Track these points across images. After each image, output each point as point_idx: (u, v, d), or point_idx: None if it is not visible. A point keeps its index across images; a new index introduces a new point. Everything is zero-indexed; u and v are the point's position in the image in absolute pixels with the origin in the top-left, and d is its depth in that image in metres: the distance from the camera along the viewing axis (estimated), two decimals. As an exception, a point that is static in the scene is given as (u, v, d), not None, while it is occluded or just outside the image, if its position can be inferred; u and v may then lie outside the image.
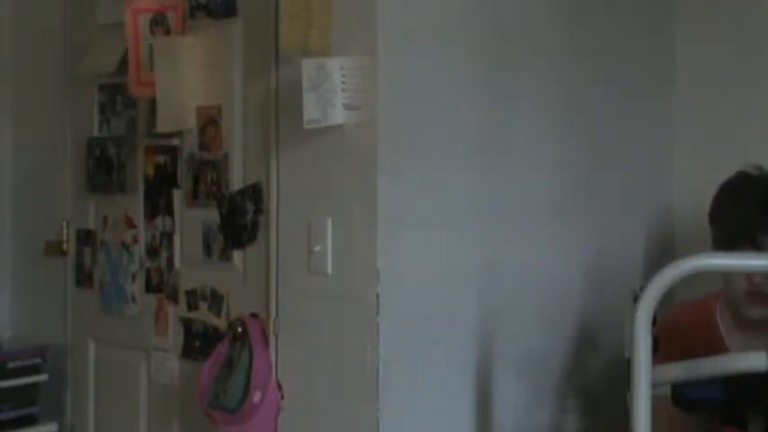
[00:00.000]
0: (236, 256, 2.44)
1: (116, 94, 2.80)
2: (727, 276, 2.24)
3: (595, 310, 2.62)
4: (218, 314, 2.49)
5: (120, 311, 2.78)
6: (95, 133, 2.87)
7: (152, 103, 2.58)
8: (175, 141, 2.61)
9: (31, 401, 2.91)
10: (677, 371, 1.82)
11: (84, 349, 2.90)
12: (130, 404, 2.74)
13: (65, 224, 2.96)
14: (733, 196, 2.27)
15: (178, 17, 2.56)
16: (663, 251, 2.84)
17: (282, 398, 2.28)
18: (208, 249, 2.51)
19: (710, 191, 2.31)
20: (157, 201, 2.68)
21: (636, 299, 1.68)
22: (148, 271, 2.70)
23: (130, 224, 2.75)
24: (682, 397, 1.85)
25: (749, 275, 2.18)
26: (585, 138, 2.64)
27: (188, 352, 2.58)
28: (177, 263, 2.62)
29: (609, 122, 2.72)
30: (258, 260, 2.37)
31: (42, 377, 2.90)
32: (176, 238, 2.62)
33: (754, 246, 2.14)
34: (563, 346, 2.58)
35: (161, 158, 2.67)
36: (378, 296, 2.10)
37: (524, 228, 2.46)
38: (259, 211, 2.37)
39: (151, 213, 2.70)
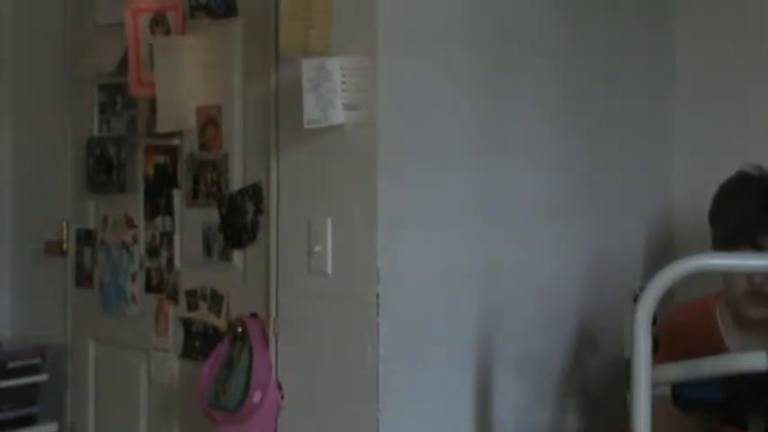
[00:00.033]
0: (236, 256, 2.44)
1: (116, 94, 2.80)
2: (727, 276, 2.24)
3: (595, 310, 2.62)
4: (218, 314, 2.49)
5: (120, 311, 2.78)
6: (95, 133, 2.87)
7: (152, 103, 2.58)
8: (175, 141, 2.61)
9: (31, 401, 2.90)
10: (677, 371, 1.82)
11: (84, 349, 2.90)
12: (130, 404, 2.74)
13: (65, 224, 2.96)
14: (733, 196, 2.27)
15: (178, 17, 2.56)
16: (663, 251, 2.84)
17: (282, 398, 2.28)
18: (208, 249, 2.51)
19: (710, 191, 2.31)
20: (157, 201, 2.68)
21: (636, 299, 1.68)
22: (148, 271, 2.70)
23: (130, 224, 2.75)
24: (682, 397, 1.85)
25: (749, 275, 2.18)
26: (585, 138, 2.64)
27: (188, 352, 2.58)
28: (177, 263, 2.62)
29: (609, 122, 2.72)
30: (258, 260, 2.37)
31: (42, 377, 2.90)
32: (176, 238, 2.62)
33: (754, 246, 2.14)
34: (563, 346, 2.58)
35: (161, 158, 2.67)
36: (378, 296, 2.10)
37: (524, 228, 2.46)
38: (259, 211, 2.37)
39: (151, 213, 2.70)
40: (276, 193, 2.31)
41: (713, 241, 2.26)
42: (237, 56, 2.44)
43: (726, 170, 2.31)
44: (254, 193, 2.38)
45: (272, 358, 2.30)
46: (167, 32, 2.58)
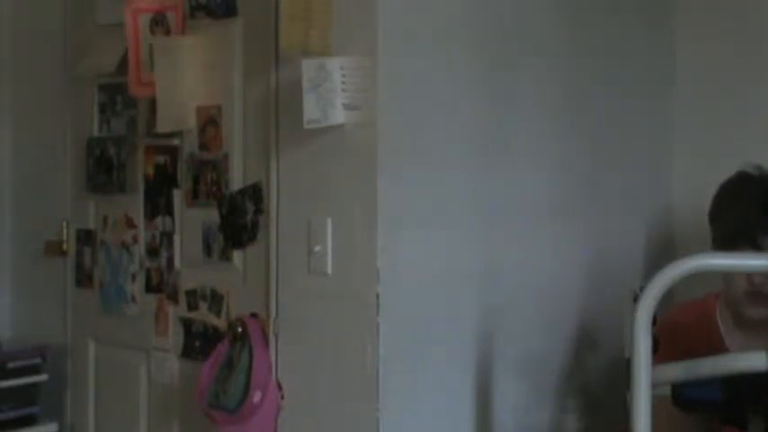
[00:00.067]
0: (236, 256, 2.44)
1: (116, 94, 2.80)
2: (727, 276, 2.24)
3: (595, 310, 2.62)
4: (218, 314, 2.49)
5: (120, 311, 2.78)
6: (95, 133, 2.87)
7: (152, 103, 2.58)
8: (175, 141, 2.61)
9: (31, 401, 2.91)
10: (677, 371, 1.82)
11: (84, 349, 2.90)
12: (130, 404, 2.74)
13: (65, 224, 2.96)
14: (733, 196, 2.27)
15: (178, 17, 2.56)
16: (663, 251, 2.84)
17: (282, 398, 2.28)
18: (208, 249, 2.51)
19: (710, 191, 2.31)
20: (157, 201, 2.68)
21: (636, 299, 1.68)
22: (148, 271, 2.70)
23: (130, 224, 2.75)
24: (682, 397, 1.85)
25: (749, 275, 2.18)
26: (585, 138, 2.64)
27: (188, 352, 2.58)
28: (177, 263, 2.62)
29: (609, 122, 2.72)
30: (258, 260, 2.37)
31: (42, 377, 2.90)
32: (176, 238, 2.63)
33: (754, 246, 2.14)
34: (563, 346, 2.58)
35: (161, 158, 2.67)
36: (378, 296, 2.10)
37: (524, 228, 2.46)
38: (259, 211, 2.37)
39: (151, 213, 2.70)
40: (276, 193, 2.31)
41: (713, 241, 2.26)
42: (237, 56, 2.44)
43: (726, 170, 2.31)
44: (254, 193, 2.38)
45: (272, 358, 2.30)
46: (167, 32, 2.58)
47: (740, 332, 2.29)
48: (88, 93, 2.88)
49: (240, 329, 2.33)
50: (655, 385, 1.68)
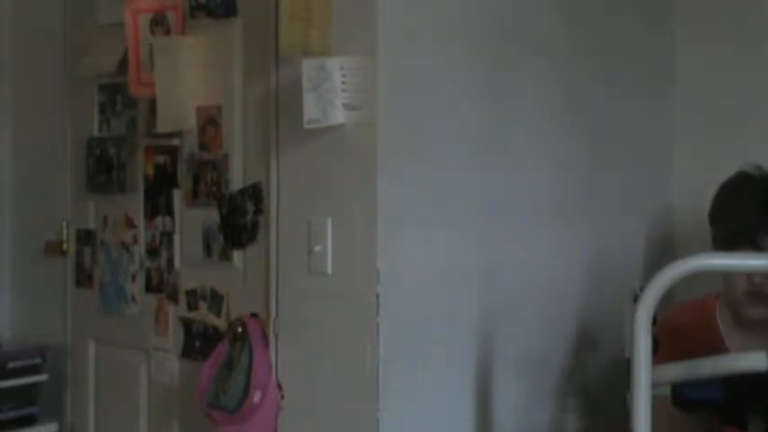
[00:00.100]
0: (236, 256, 2.44)
1: (116, 94, 2.80)
2: (727, 276, 2.24)
3: (595, 310, 2.62)
4: (218, 314, 2.49)
5: (120, 311, 2.78)
6: (95, 133, 2.87)
7: (152, 103, 2.58)
8: (175, 141, 2.61)
9: (31, 401, 2.90)
10: (677, 371, 1.82)
11: (84, 349, 2.90)
12: (130, 404, 2.74)
13: (65, 224, 2.96)
14: (733, 196, 2.27)
15: (178, 17, 2.56)
16: (663, 251, 2.84)
17: (282, 398, 2.28)
18: (208, 249, 2.51)
19: (710, 191, 2.31)
20: (157, 201, 2.68)
21: (636, 299, 1.68)
22: (148, 271, 2.70)
23: (130, 224, 2.75)
24: (682, 397, 1.85)
25: (749, 275, 2.18)
26: (585, 138, 2.64)
27: (188, 352, 2.58)
28: (177, 263, 2.62)
29: (609, 122, 2.72)
30: (258, 260, 2.37)
31: (42, 377, 2.90)
32: (176, 238, 2.62)
33: (754, 246, 2.14)
34: (563, 346, 2.58)
35: (161, 158, 2.67)
36: (378, 296, 2.10)
37: (524, 228, 2.46)
38: (259, 211, 2.37)
39: (151, 213, 2.70)
40: (276, 193, 2.31)
41: (713, 241, 2.26)
42: (237, 56, 2.44)
43: (726, 170, 2.31)
44: (254, 193, 2.38)
45: (272, 358, 2.30)
46: (167, 32, 2.58)
47: (740, 332, 2.29)
48: (88, 93, 2.88)
49: (240, 329, 2.33)
50: (655, 385, 1.68)
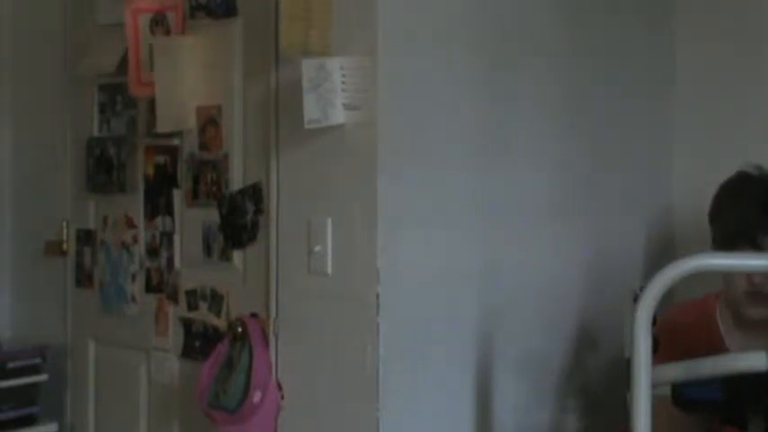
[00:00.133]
0: (236, 256, 2.44)
1: (116, 94, 2.80)
2: (727, 276, 2.24)
3: (595, 310, 2.62)
4: (218, 314, 2.49)
5: (120, 311, 2.78)
6: (95, 133, 2.87)
7: (152, 103, 2.58)
8: (175, 141, 2.61)
9: (31, 401, 2.90)
10: (677, 371, 1.82)
11: (84, 349, 2.90)
12: (130, 404, 2.74)
13: (65, 224, 2.96)
14: (733, 196, 2.27)
15: (178, 17, 2.56)
16: (663, 251, 2.84)
17: (282, 398, 2.28)
18: (208, 249, 2.51)
19: (710, 191, 2.31)
20: (157, 201, 2.68)
21: (636, 299, 1.68)
22: (148, 271, 2.70)
23: (130, 224, 2.75)
24: (682, 397, 1.85)
25: (749, 275, 2.18)
26: (585, 138, 2.64)
27: (188, 352, 2.58)
28: (177, 263, 2.62)
29: (609, 122, 2.72)
30: (258, 260, 2.37)
31: (42, 377, 2.90)
32: (176, 238, 2.62)
33: (754, 246, 2.14)
34: (563, 346, 2.58)
35: (161, 158, 2.67)
36: (378, 296, 2.10)
37: (524, 228, 2.46)
38: (259, 211, 2.37)
39: (151, 213, 2.70)
40: (276, 193, 2.31)
41: (713, 241, 2.26)
42: (237, 56, 2.44)
43: (726, 170, 2.31)
44: (254, 193, 2.38)
45: (272, 358, 2.30)
46: (167, 32, 2.58)
47: (740, 332, 2.29)
48: (88, 93, 2.88)
49: (240, 329, 2.33)
50: (655, 385, 1.68)
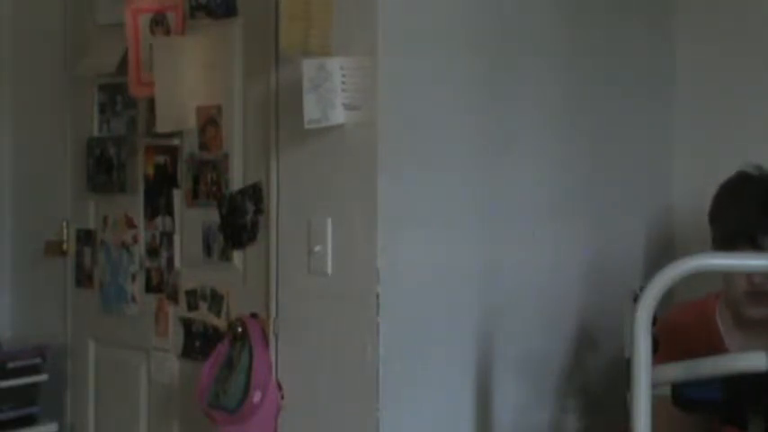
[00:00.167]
0: (236, 256, 2.44)
1: (116, 94, 2.80)
2: (728, 276, 2.24)
3: (595, 310, 2.62)
4: (218, 314, 2.49)
5: (120, 311, 2.78)
6: (95, 133, 2.87)
7: (152, 103, 2.58)
8: (175, 141, 2.61)
9: (31, 401, 2.90)
10: (677, 371, 1.82)
11: (84, 349, 2.90)
12: (130, 404, 2.74)
13: (65, 224, 2.96)
14: (733, 196, 2.27)
15: (178, 17, 2.56)
16: (663, 251, 2.84)
17: (282, 398, 2.28)
18: (208, 249, 2.51)
19: (710, 191, 2.31)
20: (157, 201, 2.68)
21: (636, 299, 1.68)
22: (148, 271, 2.70)
23: (130, 224, 2.75)
24: (682, 397, 1.85)
25: (749, 275, 2.18)
26: (585, 138, 2.64)
27: (188, 352, 2.58)
28: (177, 263, 2.62)
29: (609, 122, 2.72)
30: (258, 260, 2.37)
31: (42, 377, 2.90)
32: (176, 238, 2.62)
33: (755, 246, 2.14)
34: (563, 346, 2.58)
35: (161, 158, 2.67)
36: (378, 296, 2.10)
37: (524, 228, 2.46)
38: (259, 211, 2.37)
39: (151, 213, 2.70)
40: (276, 193, 2.31)
41: (713, 241, 2.26)
42: (237, 56, 2.44)
43: (726, 170, 2.31)
44: (254, 193, 2.38)
45: (272, 358, 2.30)
46: (167, 32, 2.58)
47: (740, 332, 2.29)
48: (88, 93, 2.88)
49: (240, 329, 2.33)
50: (655, 385, 1.68)
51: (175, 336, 2.61)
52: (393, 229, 2.13)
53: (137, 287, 2.73)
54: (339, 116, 2.12)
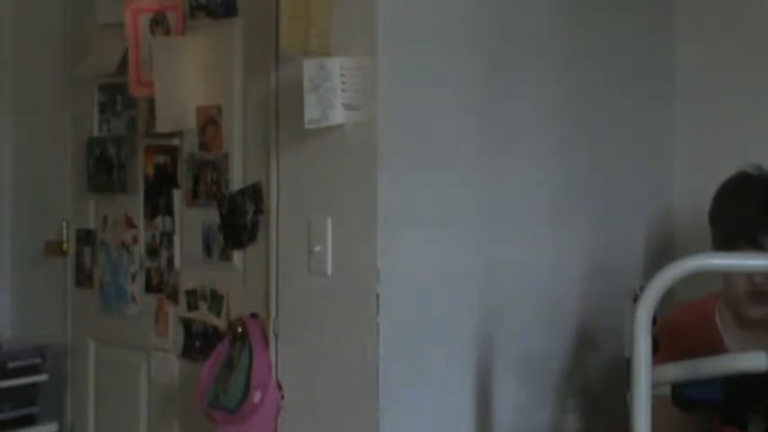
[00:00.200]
0: (236, 256, 2.44)
1: (116, 94, 2.80)
2: (728, 276, 2.24)
3: (595, 310, 2.62)
4: (218, 314, 2.49)
5: (120, 311, 2.78)
6: (95, 133, 2.87)
7: (152, 103, 2.58)
8: (175, 141, 2.61)
9: (31, 401, 2.90)
10: (677, 371, 1.82)
11: (84, 349, 2.90)
12: (130, 404, 2.74)
13: (65, 224, 2.96)
14: (733, 196, 2.27)
15: (178, 17, 2.56)
16: (663, 251, 2.83)
17: (282, 398, 2.28)
18: (208, 249, 2.51)
19: (710, 191, 2.31)
20: (157, 201, 2.68)
21: (636, 299, 1.68)
22: (148, 271, 2.70)
23: (130, 224, 2.75)
24: (682, 397, 1.85)
25: (749, 275, 2.18)
26: (585, 138, 2.64)
27: (188, 352, 2.58)
28: (177, 263, 2.62)
29: (609, 122, 2.72)
30: (258, 260, 2.37)
31: (42, 377, 2.90)
32: (176, 238, 2.62)
33: (755, 245, 2.14)
34: (563, 346, 2.58)
35: (161, 158, 2.67)
36: (378, 296, 2.10)
37: (524, 228, 2.46)
38: (259, 211, 2.37)
39: (151, 213, 2.70)
40: (276, 193, 2.31)
41: (713, 241, 2.26)
42: (237, 56, 2.44)
43: (726, 170, 2.31)
44: (254, 193, 2.38)
45: (272, 358, 2.30)
46: (167, 32, 2.58)
47: (740, 332, 2.29)
48: (88, 93, 2.88)
49: (240, 329, 2.33)
50: (655, 385, 1.68)
51: (175, 336, 2.61)
52: (393, 229, 2.13)
53: (137, 287, 2.73)
54: (339, 116, 2.12)
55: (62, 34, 2.99)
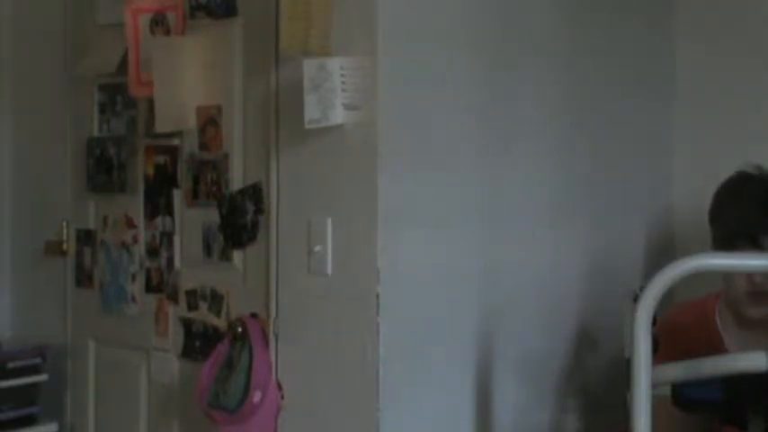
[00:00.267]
0: (236, 256, 2.44)
1: (116, 94, 2.80)
2: (728, 276, 2.24)
3: (595, 310, 2.62)
4: (218, 314, 2.49)
5: (120, 311, 2.78)
6: (95, 133, 2.88)
7: (152, 103, 2.58)
8: (175, 141, 2.61)
9: (31, 401, 2.90)
10: (677, 371, 1.82)
11: (84, 349, 2.90)
12: (130, 404, 2.74)
13: (65, 224, 2.96)
14: (733, 196, 2.27)
15: (178, 17, 2.56)
16: (663, 251, 2.83)
17: (282, 398, 2.28)
18: (208, 249, 2.51)
19: (710, 191, 2.31)
20: (157, 201, 2.68)
21: (636, 299, 1.68)
22: (148, 271, 2.70)
23: (130, 224, 2.75)
24: (682, 397, 1.85)
25: (749, 275, 2.18)
26: (585, 138, 2.64)
27: (188, 352, 2.58)
28: (177, 263, 2.62)
29: (609, 122, 2.72)
30: (258, 260, 2.37)
31: (42, 377, 2.90)
32: (176, 239, 2.62)
33: (755, 245, 2.14)
34: (563, 346, 2.58)
35: (161, 158, 2.67)
36: (378, 296, 2.10)
37: (524, 228, 2.46)
38: (259, 211, 2.37)
39: (151, 213, 2.70)
40: (276, 193, 2.31)
41: (713, 241, 2.26)
42: (237, 56, 2.44)
43: (726, 170, 2.31)
44: (254, 193, 2.38)
45: (272, 358, 2.30)
46: (167, 32, 2.58)
47: (740, 332, 2.29)
48: (88, 93, 2.88)
49: (240, 329, 2.33)
50: (655, 385, 1.68)
51: (175, 336, 2.61)
52: (393, 229, 2.13)
53: (137, 287, 2.73)
54: (339, 116, 2.12)
55: (62, 34, 2.99)
